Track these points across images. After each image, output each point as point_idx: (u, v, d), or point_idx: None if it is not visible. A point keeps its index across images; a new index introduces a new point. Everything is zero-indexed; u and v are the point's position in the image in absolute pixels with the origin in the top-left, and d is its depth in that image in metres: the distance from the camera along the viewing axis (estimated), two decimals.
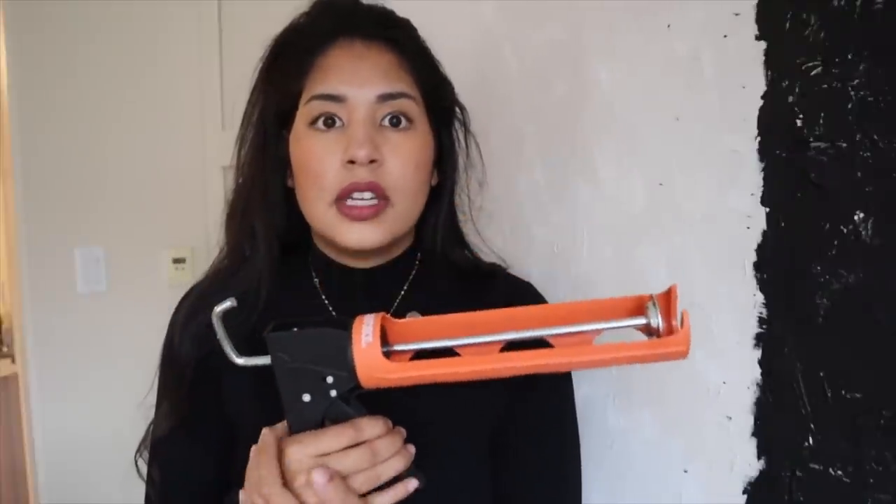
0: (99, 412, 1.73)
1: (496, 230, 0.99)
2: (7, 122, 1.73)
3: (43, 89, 1.73)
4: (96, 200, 1.79)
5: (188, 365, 0.69)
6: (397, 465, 0.57)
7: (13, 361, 2.59)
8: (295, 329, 0.55)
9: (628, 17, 0.79)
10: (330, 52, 0.67)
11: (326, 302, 0.74)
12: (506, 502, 0.72)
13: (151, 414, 0.74)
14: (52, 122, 1.74)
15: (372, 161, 0.64)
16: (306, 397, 0.55)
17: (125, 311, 1.79)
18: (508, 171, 0.98)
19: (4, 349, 3.10)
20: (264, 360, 0.56)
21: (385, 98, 0.66)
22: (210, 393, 0.70)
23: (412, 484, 0.58)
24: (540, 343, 0.54)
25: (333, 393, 0.55)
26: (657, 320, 0.51)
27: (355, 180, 0.64)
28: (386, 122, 0.66)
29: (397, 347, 0.55)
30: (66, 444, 1.75)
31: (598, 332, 0.53)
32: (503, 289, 0.77)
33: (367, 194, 0.65)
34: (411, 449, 0.59)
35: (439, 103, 0.72)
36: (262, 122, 0.71)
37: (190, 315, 0.72)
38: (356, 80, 0.65)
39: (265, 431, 0.57)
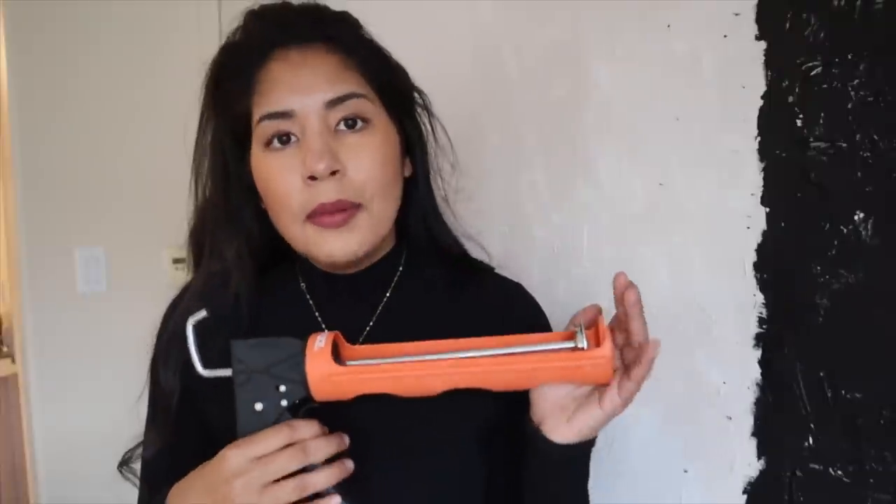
0: (99, 412, 1.73)
1: (496, 230, 0.99)
2: (7, 123, 1.73)
3: (43, 89, 1.72)
4: (96, 200, 1.79)
5: (173, 395, 0.69)
6: (331, 476, 0.57)
7: (13, 361, 2.60)
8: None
9: (628, 17, 0.79)
10: (268, 66, 0.65)
11: (312, 305, 0.73)
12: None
13: (145, 413, 0.74)
14: (52, 123, 1.74)
15: (334, 172, 0.62)
16: (258, 406, 0.58)
17: (125, 311, 1.78)
18: (508, 171, 0.98)
19: (4, 349, 3.10)
20: (226, 372, 0.59)
21: (333, 103, 0.64)
22: (195, 416, 0.70)
23: (334, 501, 0.58)
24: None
25: (284, 403, 0.58)
26: (583, 342, 0.57)
27: (321, 201, 0.63)
28: (342, 126, 0.64)
29: (348, 363, 0.58)
30: (66, 444, 1.75)
31: (531, 355, 0.58)
32: (493, 290, 0.76)
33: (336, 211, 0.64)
34: (349, 464, 0.59)
35: (395, 93, 0.70)
36: (219, 148, 0.69)
37: (169, 346, 0.70)
38: (300, 90, 0.63)
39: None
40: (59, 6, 1.73)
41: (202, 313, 0.60)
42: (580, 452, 0.64)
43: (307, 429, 0.57)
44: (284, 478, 0.56)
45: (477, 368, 0.57)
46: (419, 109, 0.74)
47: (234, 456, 0.56)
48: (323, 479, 0.57)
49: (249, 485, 0.55)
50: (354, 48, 0.67)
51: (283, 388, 0.57)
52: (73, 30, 1.76)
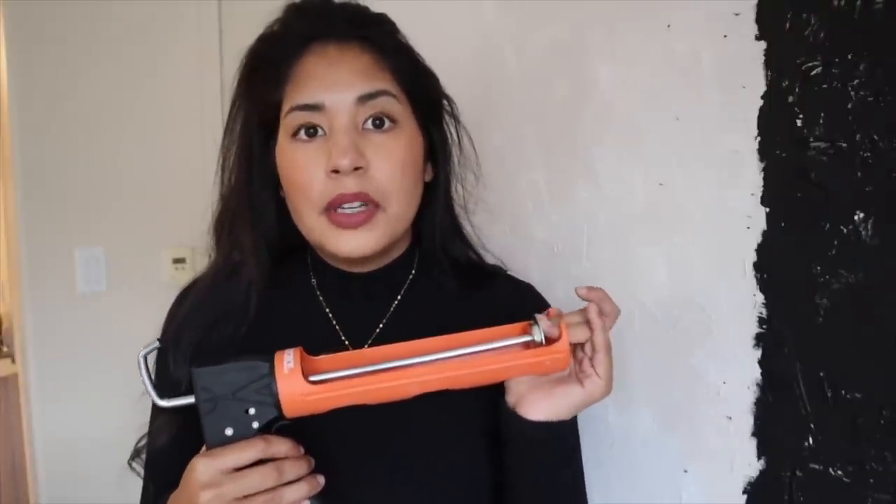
0: (99, 412, 1.73)
1: (497, 230, 0.99)
2: (7, 123, 1.73)
3: (43, 89, 1.73)
4: (96, 200, 1.79)
5: (181, 383, 0.68)
6: (301, 491, 0.57)
7: (13, 361, 2.60)
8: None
9: (628, 17, 0.79)
10: (304, 59, 0.66)
11: (323, 301, 0.74)
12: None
13: (147, 412, 0.73)
14: (52, 123, 1.74)
15: (357, 168, 0.63)
16: (229, 431, 0.57)
17: (125, 311, 1.79)
18: (509, 171, 0.98)
19: (4, 349, 3.10)
20: (188, 401, 0.58)
21: (365, 99, 0.65)
22: None
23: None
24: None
25: (255, 425, 0.57)
26: (540, 336, 0.60)
27: (342, 191, 0.64)
28: (369, 125, 0.65)
29: (312, 378, 0.58)
30: (66, 444, 1.75)
31: (491, 351, 0.60)
32: (505, 291, 0.76)
33: (357, 203, 0.64)
34: (320, 479, 0.59)
35: (424, 98, 0.71)
36: (247, 136, 0.70)
37: (180, 332, 0.71)
38: (333, 85, 0.64)
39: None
40: (59, 6, 1.73)
41: (154, 344, 0.61)
42: (555, 433, 0.64)
43: (282, 446, 0.57)
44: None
45: (445, 373, 0.58)
46: (447, 117, 0.75)
47: (203, 466, 0.56)
48: (295, 494, 0.57)
49: (220, 497, 0.55)
50: (389, 49, 0.68)
51: (252, 411, 0.57)
52: (73, 30, 1.76)
